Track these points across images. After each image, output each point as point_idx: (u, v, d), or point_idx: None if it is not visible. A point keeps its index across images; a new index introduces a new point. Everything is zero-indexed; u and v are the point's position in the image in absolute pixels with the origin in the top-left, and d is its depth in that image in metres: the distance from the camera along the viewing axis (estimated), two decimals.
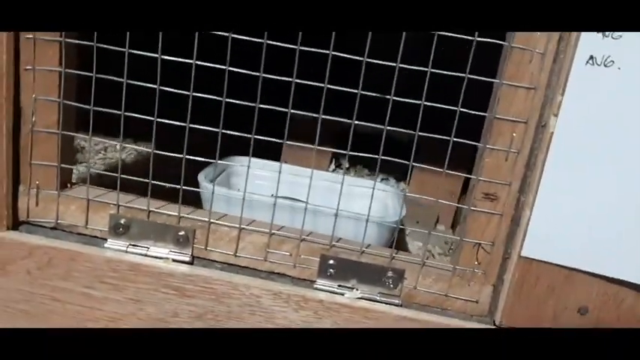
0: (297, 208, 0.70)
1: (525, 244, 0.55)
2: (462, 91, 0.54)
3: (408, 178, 0.63)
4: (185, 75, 0.56)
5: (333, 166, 1.16)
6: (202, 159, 0.59)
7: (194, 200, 0.67)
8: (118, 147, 1.22)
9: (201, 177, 0.83)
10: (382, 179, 1.15)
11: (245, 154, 0.63)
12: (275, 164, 0.87)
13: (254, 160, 0.90)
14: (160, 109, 0.57)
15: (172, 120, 0.57)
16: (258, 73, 0.55)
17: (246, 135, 0.58)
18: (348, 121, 0.57)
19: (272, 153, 0.88)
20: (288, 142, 0.61)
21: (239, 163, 0.87)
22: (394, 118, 0.56)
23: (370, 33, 0.53)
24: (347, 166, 1.15)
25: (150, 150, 0.59)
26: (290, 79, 0.55)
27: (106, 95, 0.57)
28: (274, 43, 0.54)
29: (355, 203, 0.77)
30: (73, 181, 0.65)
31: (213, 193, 0.63)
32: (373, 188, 0.61)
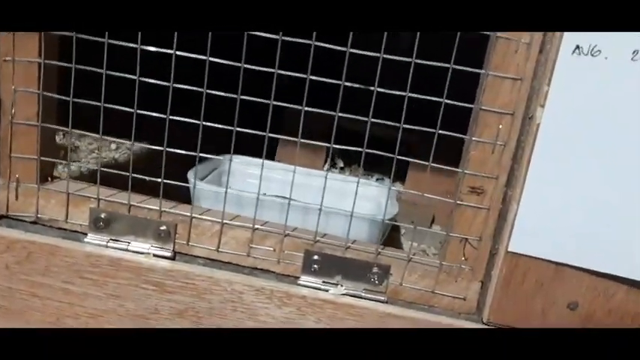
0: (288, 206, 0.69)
1: (512, 238, 0.54)
2: (447, 81, 0.53)
3: (391, 175, 0.61)
4: (182, 70, 0.55)
5: (327, 166, 1.15)
6: (183, 152, 0.58)
7: (186, 199, 0.66)
8: (111, 146, 1.21)
9: (190, 175, 0.82)
10: (378, 179, 1.14)
11: (242, 152, 0.62)
12: (268, 163, 0.86)
13: (247, 158, 0.90)
14: (162, 108, 0.56)
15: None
16: (239, 64, 0.54)
17: (227, 127, 0.57)
18: (332, 113, 0.56)
19: (269, 152, 0.87)
20: (280, 139, 0.60)
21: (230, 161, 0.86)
22: (396, 118, 0.55)
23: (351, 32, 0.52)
24: (341, 165, 1.14)
25: (141, 146, 0.58)
26: (273, 70, 0.54)
27: (107, 94, 0.57)
28: (260, 33, 0.53)
29: (349, 202, 0.76)
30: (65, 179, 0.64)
31: (194, 187, 0.62)
32: (357, 184, 0.60)
